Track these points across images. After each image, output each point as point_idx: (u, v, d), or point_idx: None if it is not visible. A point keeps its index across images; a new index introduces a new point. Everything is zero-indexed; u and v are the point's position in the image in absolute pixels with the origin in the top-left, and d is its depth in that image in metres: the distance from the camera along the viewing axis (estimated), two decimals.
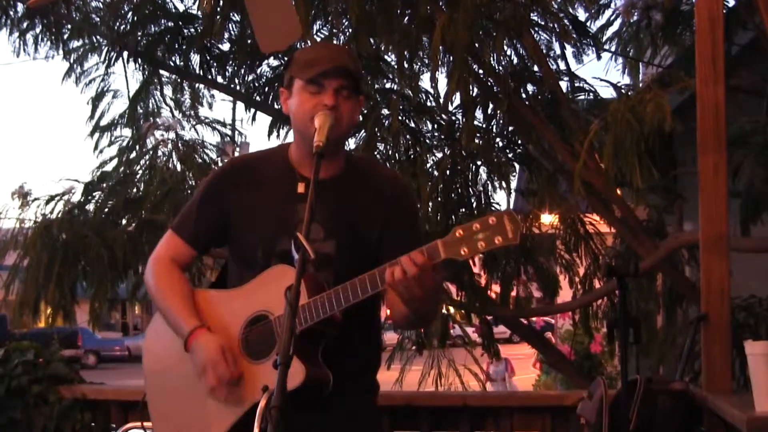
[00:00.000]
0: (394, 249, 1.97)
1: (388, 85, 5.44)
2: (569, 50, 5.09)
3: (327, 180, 2.14)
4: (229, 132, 6.51)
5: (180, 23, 5.82)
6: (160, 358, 2.35)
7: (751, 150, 4.36)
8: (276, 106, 5.62)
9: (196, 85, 6.08)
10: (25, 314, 5.43)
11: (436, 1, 4.46)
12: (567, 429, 3.36)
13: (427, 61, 4.95)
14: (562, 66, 5.10)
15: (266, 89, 5.84)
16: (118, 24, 5.79)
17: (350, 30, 4.84)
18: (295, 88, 2.17)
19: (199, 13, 5.52)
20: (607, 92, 6.60)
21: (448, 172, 5.15)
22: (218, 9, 5.00)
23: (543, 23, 4.91)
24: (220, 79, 5.98)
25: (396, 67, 4.93)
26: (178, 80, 6.05)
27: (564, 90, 4.98)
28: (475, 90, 4.86)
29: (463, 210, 5.14)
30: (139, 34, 5.81)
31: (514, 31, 4.57)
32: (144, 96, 5.97)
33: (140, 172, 5.79)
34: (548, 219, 5.75)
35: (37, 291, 5.33)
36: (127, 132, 5.94)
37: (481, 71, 4.80)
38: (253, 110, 5.95)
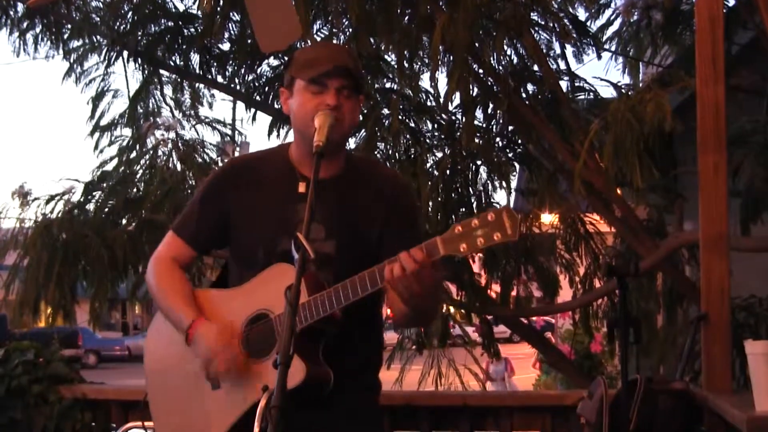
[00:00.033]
0: (394, 248, 1.97)
1: (388, 85, 5.44)
2: (569, 50, 5.09)
3: (327, 180, 2.14)
4: (229, 132, 6.52)
5: (180, 23, 5.82)
6: (161, 357, 2.36)
7: (751, 149, 4.36)
8: (276, 106, 5.62)
9: (196, 84, 6.08)
10: (25, 314, 5.43)
11: (436, 1, 4.46)
12: (567, 429, 3.36)
13: (427, 61, 4.95)
14: (562, 66, 5.10)
15: (266, 89, 5.84)
16: (118, 24, 5.79)
17: (350, 30, 4.84)
18: (296, 88, 2.17)
19: (199, 12, 5.52)
20: (607, 92, 6.60)
21: (448, 171, 5.15)
22: (218, 9, 4.99)
23: (543, 23, 4.91)
24: (220, 79, 5.98)
25: (396, 66, 4.93)
26: (178, 80, 6.05)
27: (564, 89, 4.98)
28: (475, 90, 4.86)
29: (463, 210, 5.14)
30: (139, 33, 5.80)
31: (514, 31, 4.57)
32: (144, 96, 5.97)
33: (140, 171, 5.80)
34: (548, 218, 5.75)
35: (37, 291, 5.33)
36: (127, 132, 5.94)
37: (481, 71, 4.80)
38: (253, 110, 5.95)
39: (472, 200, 5.22)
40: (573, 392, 3.61)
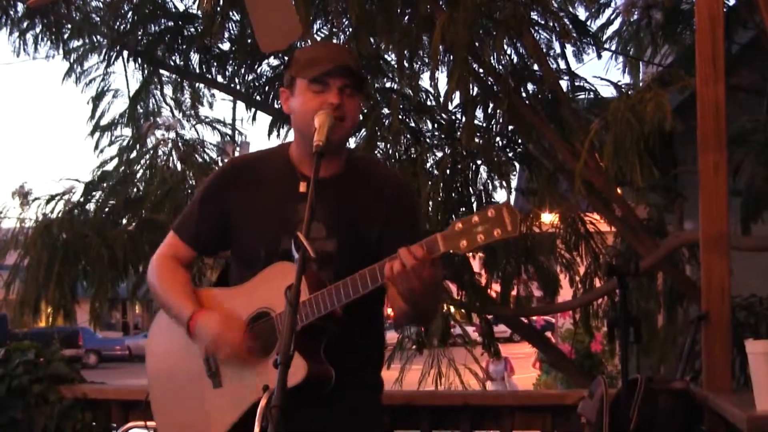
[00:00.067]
0: (394, 248, 1.96)
1: (388, 85, 5.44)
2: (569, 49, 5.09)
3: (327, 179, 2.14)
4: (229, 131, 6.52)
5: (180, 23, 5.82)
6: (162, 357, 2.36)
7: (751, 149, 4.36)
8: (276, 106, 5.62)
9: (197, 84, 6.08)
10: (26, 314, 5.43)
11: (436, 1, 4.46)
12: (568, 428, 3.36)
13: (427, 61, 4.95)
14: (563, 65, 5.10)
15: (266, 89, 5.84)
16: (118, 23, 5.79)
17: (350, 29, 4.84)
18: (297, 87, 2.17)
19: (199, 12, 5.52)
20: (607, 91, 6.60)
21: (448, 171, 5.16)
22: (218, 8, 4.99)
23: (543, 22, 4.91)
24: (220, 79, 5.98)
25: (396, 66, 4.93)
26: (178, 80, 6.05)
27: (564, 89, 4.98)
28: (475, 89, 4.86)
29: (463, 209, 5.14)
30: (139, 33, 5.80)
31: (514, 30, 4.57)
32: (144, 95, 5.96)
33: (140, 171, 5.80)
34: (549, 218, 5.75)
35: (38, 290, 5.33)
36: (128, 131, 5.94)
37: (481, 70, 4.80)
38: (253, 110, 5.95)
39: (473, 200, 5.22)
40: (573, 392, 3.61)
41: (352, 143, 5.01)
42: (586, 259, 5.58)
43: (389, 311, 2.30)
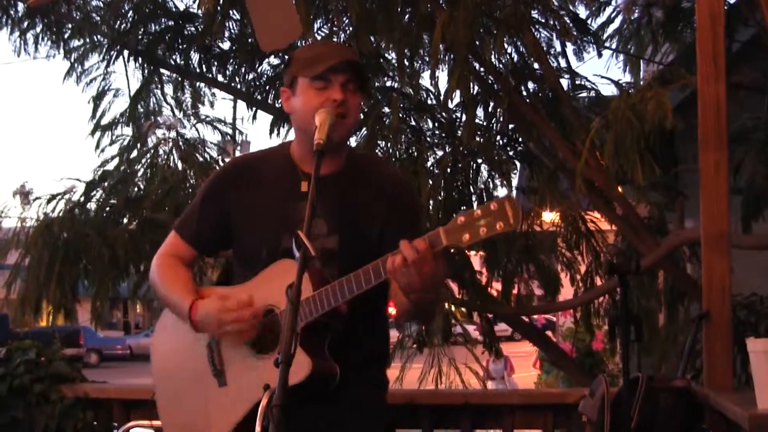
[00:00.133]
0: (395, 246, 1.96)
1: (388, 83, 5.44)
2: (570, 48, 5.09)
3: (328, 176, 2.14)
4: (229, 131, 6.52)
5: (180, 22, 5.82)
6: (167, 355, 2.36)
7: (752, 147, 4.36)
8: (277, 105, 5.62)
9: (197, 83, 6.08)
10: (27, 313, 5.44)
11: None
12: (569, 427, 3.36)
13: (427, 59, 4.95)
14: (563, 63, 5.10)
15: (267, 88, 5.84)
16: (118, 23, 5.79)
17: (350, 28, 4.84)
18: (299, 86, 2.17)
19: (200, 11, 5.52)
20: (608, 90, 6.60)
21: (449, 170, 5.16)
22: (218, 7, 4.99)
23: (543, 21, 4.91)
24: (220, 78, 5.98)
25: (396, 65, 4.93)
26: (179, 79, 6.05)
27: (565, 87, 4.98)
28: (476, 88, 4.86)
29: (464, 208, 5.14)
30: (140, 32, 5.80)
31: (515, 29, 4.57)
32: (145, 95, 5.97)
33: (141, 170, 5.81)
34: (549, 217, 5.75)
35: (39, 290, 5.34)
36: (128, 131, 5.95)
37: (481, 69, 4.80)
38: (254, 109, 5.95)
39: (473, 198, 5.22)
40: (574, 390, 3.60)
41: (352, 142, 5.02)
42: (586, 258, 5.59)
43: (391, 310, 2.30)
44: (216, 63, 5.91)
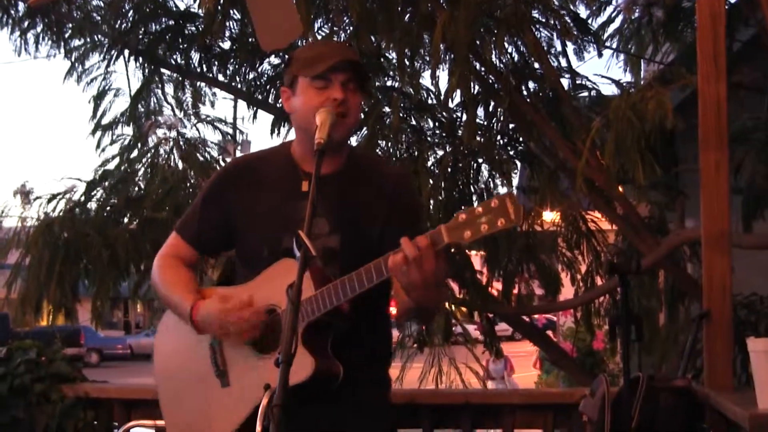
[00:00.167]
0: (395, 246, 1.96)
1: (389, 83, 5.44)
2: (570, 47, 5.08)
3: (329, 175, 2.14)
4: (230, 130, 6.52)
5: (181, 21, 5.83)
6: (170, 356, 2.36)
7: (752, 147, 4.36)
8: (278, 105, 5.62)
9: (198, 83, 6.08)
10: (27, 313, 5.44)
11: None
12: (569, 426, 3.36)
13: (428, 59, 4.95)
14: (564, 63, 5.09)
15: (267, 87, 5.85)
16: (119, 22, 5.79)
17: (351, 27, 4.84)
18: (300, 86, 2.17)
19: (200, 11, 5.52)
20: (608, 89, 6.60)
21: (449, 169, 5.16)
22: (219, 7, 4.99)
23: (544, 20, 4.91)
24: (221, 78, 5.99)
25: (397, 64, 4.94)
26: (179, 78, 6.05)
27: (565, 87, 4.98)
28: (476, 87, 4.86)
29: (465, 208, 5.14)
30: (140, 32, 5.81)
31: (515, 28, 4.57)
32: (145, 94, 5.97)
33: (142, 170, 5.81)
34: (550, 216, 5.75)
35: (39, 289, 5.34)
36: (129, 130, 5.95)
37: (482, 68, 4.80)
38: (254, 108, 5.96)
39: (474, 198, 5.22)
40: (575, 390, 3.60)
41: (353, 142, 5.01)
42: (587, 257, 5.58)
43: (392, 310, 2.30)
44: (216, 62, 5.91)
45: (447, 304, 5.67)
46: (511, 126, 5.27)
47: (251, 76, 5.88)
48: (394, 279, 1.99)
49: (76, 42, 5.87)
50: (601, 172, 4.29)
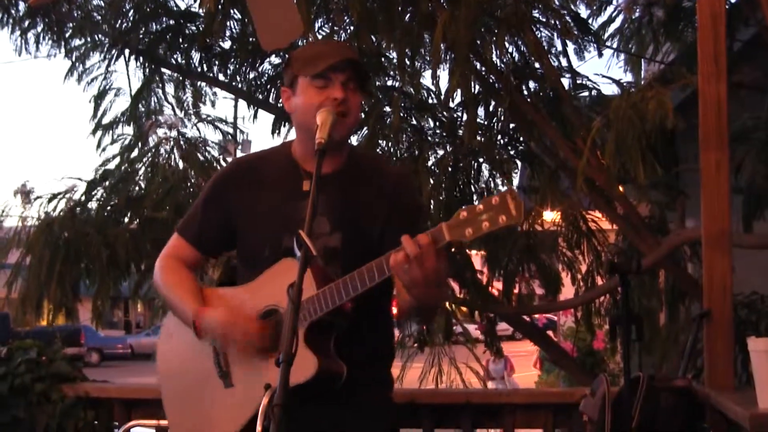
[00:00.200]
0: (395, 246, 1.96)
1: (389, 83, 5.44)
2: (571, 47, 5.08)
3: (329, 175, 2.14)
4: (230, 130, 6.52)
5: (181, 21, 5.83)
6: (173, 356, 2.36)
7: (753, 146, 4.36)
8: (279, 105, 5.62)
9: (198, 83, 6.08)
10: (28, 312, 5.44)
11: None
12: (570, 426, 3.36)
13: (428, 59, 4.95)
14: (564, 63, 5.09)
15: (268, 87, 5.85)
16: (119, 22, 5.80)
17: (351, 27, 4.84)
18: (299, 85, 2.17)
19: (201, 11, 5.53)
20: (609, 89, 6.60)
21: (450, 169, 5.16)
22: (219, 7, 4.99)
23: (544, 20, 4.91)
24: (221, 77, 5.99)
25: (397, 64, 4.94)
26: (180, 78, 6.05)
27: (566, 87, 4.98)
28: (477, 87, 4.86)
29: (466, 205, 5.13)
30: (141, 32, 5.81)
31: (516, 28, 4.57)
32: (146, 94, 5.97)
33: (142, 170, 5.81)
34: (550, 216, 5.74)
35: (40, 289, 5.34)
36: (129, 130, 5.95)
37: (482, 68, 4.80)
38: (255, 108, 5.95)
39: (474, 198, 5.22)
40: (575, 390, 3.61)
41: (353, 142, 5.02)
42: (587, 257, 5.58)
43: (393, 310, 2.30)
44: (217, 62, 5.91)
45: (447, 304, 5.67)
46: (511, 126, 5.27)
47: (252, 75, 5.88)
48: (396, 278, 1.99)
49: (77, 41, 5.87)
50: (601, 171, 4.29)
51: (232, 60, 5.86)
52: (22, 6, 5.77)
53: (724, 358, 3.06)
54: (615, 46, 5.95)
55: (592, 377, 4.13)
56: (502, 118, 5.21)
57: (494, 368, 12.93)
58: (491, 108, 5.12)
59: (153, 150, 5.83)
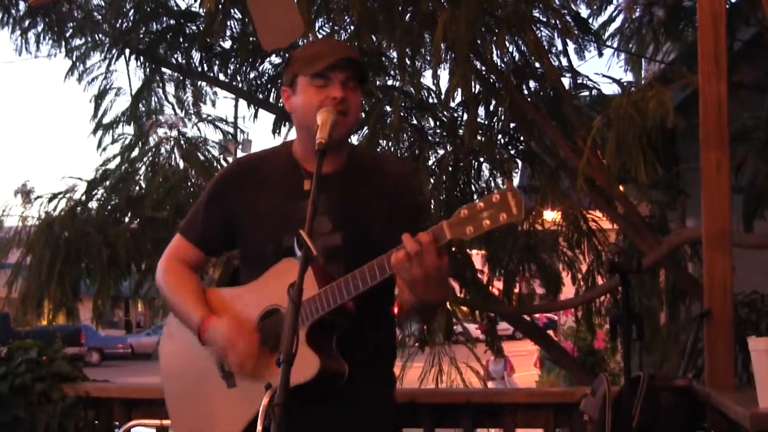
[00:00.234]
0: (396, 245, 1.96)
1: (390, 82, 5.44)
2: (571, 46, 5.09)
3: (330, 174, 2.14)
4: (231, 129, 6.52)
5: (182, 21, 5.83)
6: (176, 356, 2.36)
7: (753, 146, 4.37)
8: (279, 104, 5.62)
9: (198, 82, 6.08)
10: (28, 312, 5.45)
11: None
12: (570, 426, 3.36)
13: (428, 58, 4.95)
14: (564, 62, 5.09)
15: (268, 86, 5.85)
16: (119, 22, 5.80)
17: (352, 27, 4.84)
18: (299, 84, 2.17)
19: (201, 10, 5.53)
20: (609, 89, 6.60)
21: (450, 168, 5.16)
22: (220, 6, 4.99)
23: (545, 20, 4.91)
24: (222, 77, 5.99)
25: (398, 63, 4.94)
26: (180, 78, 6.06)
27: (566, 86, 4.98)
28: (477, 87, 4.86)
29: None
30: (141, 31, 5.81)
31: (516, 28, 4.57)
32: (146, 94, 5.97)
33: (143, 169, 5.81)
34: (551, 215, 5.74)
35: (40, 289, 5.35)
36: (130, 130, 5.95)
37: (483, 68, 4.80)
38: (255, 108, 5.96)
39: (475, 197, 5.22)
40: (576, 389, 3.60)
41: (353, 141, 5.02)
42: (588, 257, 5.58)
43: (394, 309, 2.30)
44: (217, 62, 5.91)
45: (448, 304, 5.66)
46: (512, 125, 5.27)
47: (252, 75, 5.89)
48: (398, 279, 1.99)
49: (77, 41, 5.88)
50: (601, 171, 4.29)
51: (233, 60, 5.86)
52: (22, 6, 5.78)
53: (725, 357, 3.05)
54: (615, 45, 5.96)
55: (592, 377, 4.13)
56: (503, 118, 5.21)
57: (494, 368, 12.92)
58: (492, 107, 5.12)
59: (153, 150, 5.84)
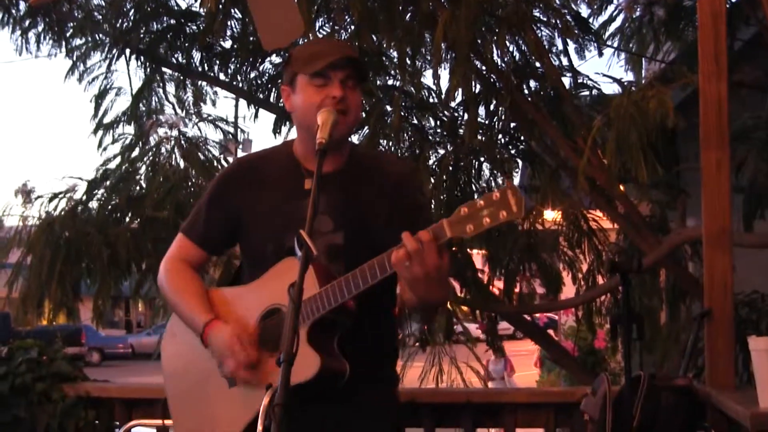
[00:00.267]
0: (397, 244, 1.96)
1: (390, 82, 5.44)
2: (571, 46, 5.09)
3: (330, 173, 2.14)
4: (231, 129, 6.52)
5: (182, 20, 5.83)
6: (178, 356, 2.36)
7: (753, 145, 4.37)
8: (279, 104, 5.62)
9: (199, 82, 6.08)
10: (29, 312, 5.45)
11: None
12: (571, 425, 3.36)
13: (429, 58, 4.95)
14: (565, 62, 5.09)
15: (269, 86, 5.85)
16: (120, 22, 5.80)
17: (352, 26, 4.84)
18: (299, 84, 2.17)
19: (201, 10, 5.53)
20: (609, 88, 6.60)
21: (450, 168, 5.16)
22: (220, 6, 5.00)
23: (545, 19, 4.91)
24: (222, 77, 5.99)
25: (398, 63, 4.94)
26: (181, 78, 6.06)
27: (566, 86, 4.98)
28: (478, 86, 4.86)
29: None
30: (141, 31, 5.81)
31: (516, 27, 4.57)
32: (147, 93, 5.97)
33: (143, 169, 5.81)
34: (551, 215, 5.74)
35: (40, 289, 5.35)
36: (130, 129, 5.95)
37: (483, 67, 4.80)
38: (255, 107, 5.96)
39: (475, 197, 5.20)
40: (576, 389, 3.60)
41: (354, 141, 5.02)
42: (588, 256, 5.58)
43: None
44: (218, 61, 5.91)
45: (448, 303, 5.66)
46: (512, 125, 5.27)
47: (252, 75, 5.89)
48: (400, 278, 1.99)
49: (78, 41, 5.88)
50: (602, 170, 4.29)
51: (233, 59, 5.86)
52: (22, 5, 5.78)
53: (725, 357, 3.06)
54: (616, 45, 5.96)
55: (593, 376, 4.14)
56: (503, 118, 5.21)
57: (494, 368, 12.92)
58: (492, 107, 5.12)
59: (154, 149, 5.83)
